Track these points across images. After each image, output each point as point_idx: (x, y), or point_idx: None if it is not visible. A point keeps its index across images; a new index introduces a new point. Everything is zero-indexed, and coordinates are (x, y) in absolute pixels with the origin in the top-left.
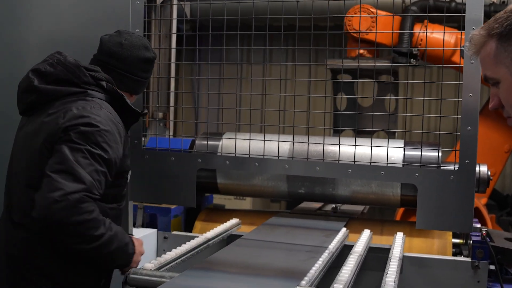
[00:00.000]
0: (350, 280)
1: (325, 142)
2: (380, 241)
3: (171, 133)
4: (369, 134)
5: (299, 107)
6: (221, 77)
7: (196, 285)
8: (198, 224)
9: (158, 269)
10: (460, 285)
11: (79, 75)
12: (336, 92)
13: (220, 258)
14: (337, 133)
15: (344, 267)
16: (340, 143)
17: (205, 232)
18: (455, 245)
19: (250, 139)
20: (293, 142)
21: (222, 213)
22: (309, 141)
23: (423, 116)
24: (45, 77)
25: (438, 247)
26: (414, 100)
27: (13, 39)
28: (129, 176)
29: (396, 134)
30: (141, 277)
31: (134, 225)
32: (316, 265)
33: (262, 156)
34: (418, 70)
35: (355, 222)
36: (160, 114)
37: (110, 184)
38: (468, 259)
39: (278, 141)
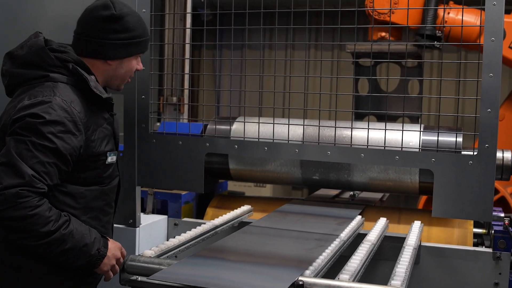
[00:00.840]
0: (359, 270)
1: (337, 126)
2: (397, 230)
3: (189, 117)
4: (391, 119)
5: (317, 92)
6: (243, 58)
7: (191, 274)
8: (209, 211)
9: (159, 256)
10: (481, 276)
11: (44, 58)
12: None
13: (224, 245)
14: (359, 118)
15: (353, 256)
16: (353, 127)
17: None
18: (476, 235)
19: (259, 122)
20: (303, 126)
21: (235, 200)
22: (321, 125)
23: (440, 97)
24: (15, 60)
25: (458, 236)
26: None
27: (24, 24)
28: (111, 158)
29: (420, 119)
30: (138, 264)
31: (144, 211)
32: (324, 254)
33: (272, 140)
34: (444, 54)
35: (371, 210)
36: (174, 99)
37: (83, 168)
38: (490, 250)
39: (288, 125)
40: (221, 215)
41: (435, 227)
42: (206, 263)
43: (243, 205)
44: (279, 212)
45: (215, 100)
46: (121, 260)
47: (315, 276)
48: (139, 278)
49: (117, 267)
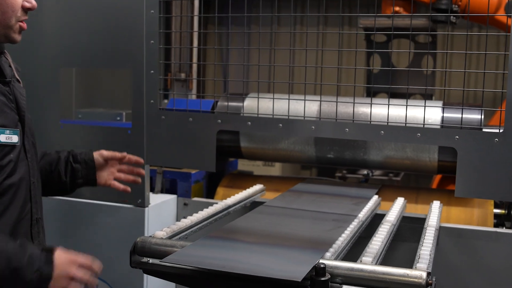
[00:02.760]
0: (381, 252)
1: (355, 101)
2: (415, 210)
3: (200, 94)
4: (404, 96)
5: (333, 70)
6: (252, 31)
7: (208, 256)
8: (220, 190)
9: (170, 237)
10: (501, 258)
11: None
12: (369, 53)
13: (238, 226)
14: (371, 95)
15: (374, 238)
16: (372, 103)
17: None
18: (496, 216)
19: (273, 98)
20: (320, 101)
21: (246, 179)
22: (338, 101)
23: (464, 71)
24: None
25: (478, 216)
26: (454, 62)
27: (31, 49)
28: (7, 137)
29: (434, 96)
30: (150, 245)
31: (153, 191)
32: (343, 235)
33: (287, 117)
34: (458, 29)
35: (388, 190)
36: (183, 75)
37: None
38: (511, 231)
39: (304, 100)
40: (233, 195)
41: (454, 207)
42: (221, 244)
43: (254, 184)
44: (293, 192)
45: (223, 76)
46: (84, 275)
47: (336, 258)
48: (151, 261)
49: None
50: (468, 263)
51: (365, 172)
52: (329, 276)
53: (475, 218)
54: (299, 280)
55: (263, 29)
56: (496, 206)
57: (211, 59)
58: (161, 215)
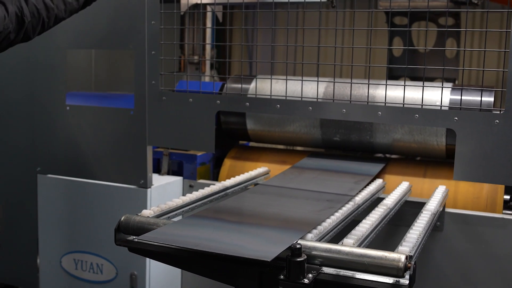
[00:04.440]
0: (368, 235)
1: (353, 82)
2: (422, 185)
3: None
4: (428, 80)
5: (356, 54)
6: (279, 9)
7: (185, 234)
8: (227, 161)
9: (158, 216)
10: (509, 245)
11: None
12: (391, 36)
13: (227, 206)
14: (393, 79)
15: (364, 220)
16: (371, 83)
17: (234, 174)
18: (508, 189)
19: (271, 79)
20: (317, 82)
21: (253, 151)
22: (336, 81)
23: (464, 50)
24: None
25: (487, 191)
26: (482, 44)
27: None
28: None
29: (456, 80)
30: (133, 223)
31: (159, 172)
32: (332, 217)
33: (285, 98)
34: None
35: (395, 165)
36: (196, 57)
37: None
38: None
39: (302, 80)
40: (239, 167)
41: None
42: (202, 223)
43: (261, 156)
44: (295, 168)
45: (248, 58)
46: None
47: (319, 240)
48: (136, 239)
49: None
50: (474, 249)
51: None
52: (305, 257)
53: (485, 191)
54: (269, 260)
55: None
56: None
57: (237, 39)
58: (166, 196)
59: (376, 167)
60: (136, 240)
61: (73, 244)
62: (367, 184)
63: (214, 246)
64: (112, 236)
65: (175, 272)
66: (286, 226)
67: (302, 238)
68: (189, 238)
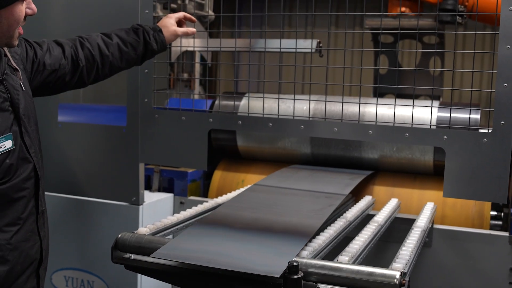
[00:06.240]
0: (361, 252)
1: (344, 101)
2: (411, 198)
3: (199, 93)
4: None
5: (339, 70)
6: (262, 30)
7: (194, 249)
8: (217, 173)
9: (154, 234)
10: (496, 261)
11: None
12: (377, 53)
13: (230, 210)
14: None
15: (356, 237)
16: (362, 102)
17: (224, 185)
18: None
19: (263, 97)
20: (309, 101)
21: (243, 162)
22: (327, 100)
23: (453, 71)
24: None
25: (477, 202)
26: (466, 63)
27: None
28: (4, 146)
29: (441, 97)
30: (130, 241)
31: (150, 189)
32: (326, 234)
33: (277, 116)
34: (467, 30)
35: (384, 176)
36: (185, 75)
37: None
38: (506, 234)
39: (294, 99)
40: (229, 179)
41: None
42: (209, 233)
43: (251, 168)
44: (291, 168)
45: (235, 77)
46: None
47: (314, 257)
48: (132, 256)
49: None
50: (461, 265)
51: None
52: (302, 274)
53: (473, 202)
54: (278, 276)
55: (273, 29)
56: None
57: (223, 59)
58: (157, 213)
59: (368, 172)
60: (140, 258)
61: (64, 261)
62: (361, 181)
63: (225, 261)
64: (104, 253)
65: None
66: (289, 231)
67: (297, 256)
68: (200, 253)
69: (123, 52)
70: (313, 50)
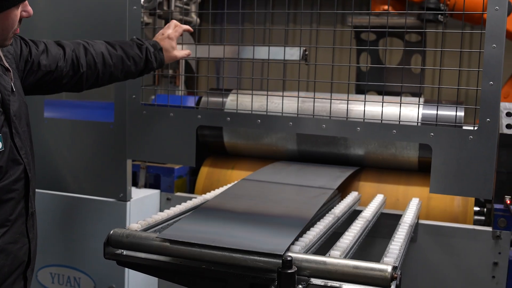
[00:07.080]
0: (351, 247)
1: (333, 98)
2: (396, 194)
3: (183, 89)
4: (394, 95)
5: (322, 68)
6: (246, 27)
7: (200, 230)
8: (204, 170)
9: (145, 230)
10: (480, 255)
11: None
12: (360, 51)
13: (231, 196)
14: (361, 93)
15: (346, 233)
16: (350, 99)
17: (211, 181)
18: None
19: (252, 94)
20: (298, 97)
21: (230, 159)
22: (316, 97)
23: (440, 69)
24: None
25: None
26: (445, 60)
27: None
28: None
29: (422, 95)
30: (123, 237)
31: (137, 186)
32: (316, 229)
33: (265, 113)
34: (449, 29)
35: (370, 172)
36: (170, 71)
37: None
38: (489, 229)
39: (282, 96)
40: (216, 174)
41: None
42: (213, 216)
43: (237, 164)
44: (282, 162)
45: (216, 73)
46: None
47: (305, 252)
48: (125, 252)
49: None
50: (446, 259)
51: None
52: (296, 269)
53: (457, 197)
54: (281, 253)
55: (257, 27)
56: None
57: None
58: (144, 209)
59: (356, 167)
60: (131, 254)
61: (50, 257)
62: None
63: (230, 241)
64: (91, 250)
65: (154, 285)
66: (288, 215)
67: (289, 250)
68: (204, 234)
69: (125, 64)
70: (300, 59)
